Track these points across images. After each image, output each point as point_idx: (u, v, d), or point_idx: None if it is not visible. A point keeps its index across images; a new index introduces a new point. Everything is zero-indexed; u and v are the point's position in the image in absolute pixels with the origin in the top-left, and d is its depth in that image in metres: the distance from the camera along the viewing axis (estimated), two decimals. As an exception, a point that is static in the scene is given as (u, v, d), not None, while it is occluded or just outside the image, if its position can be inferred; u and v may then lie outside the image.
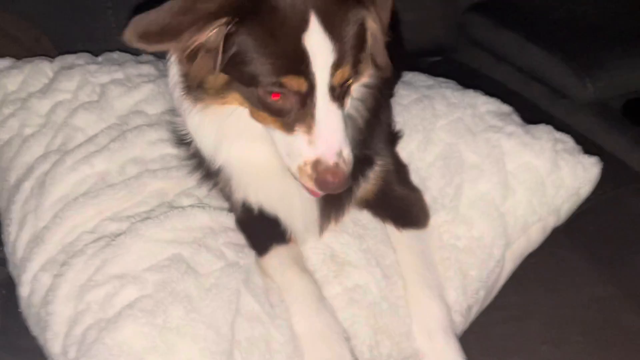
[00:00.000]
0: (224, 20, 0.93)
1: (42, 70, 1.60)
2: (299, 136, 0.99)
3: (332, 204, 1.21)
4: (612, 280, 1.47)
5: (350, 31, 0.98)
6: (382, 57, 1.07)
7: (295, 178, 1.03)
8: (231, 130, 1.10)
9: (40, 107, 1.47)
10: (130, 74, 1.57)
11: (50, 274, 1.13)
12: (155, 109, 1.47)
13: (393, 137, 1.38)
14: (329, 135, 0.99)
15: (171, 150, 1.35)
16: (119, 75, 1.56)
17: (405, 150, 1.40)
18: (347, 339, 1.12)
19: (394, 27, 1.87)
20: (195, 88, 1.05)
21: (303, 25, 0.93)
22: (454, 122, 1.44)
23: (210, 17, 0.92)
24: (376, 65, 1.09)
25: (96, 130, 1.39)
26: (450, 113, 1.46)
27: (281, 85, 0.95)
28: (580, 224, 1.55)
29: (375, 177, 1.26)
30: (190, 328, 1.02)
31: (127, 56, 1.74)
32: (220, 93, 1.04)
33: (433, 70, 1.81)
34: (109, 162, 1.30)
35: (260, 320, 1.10)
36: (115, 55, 1.75)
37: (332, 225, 1.24)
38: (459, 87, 1.62)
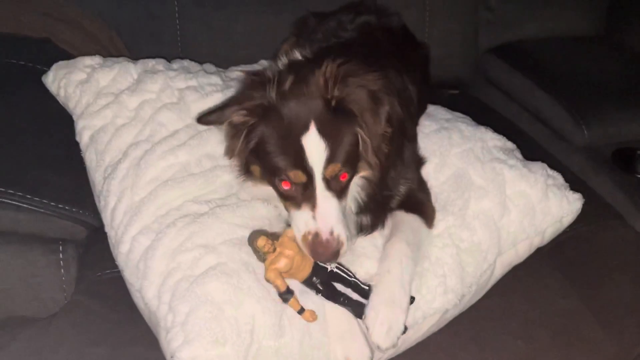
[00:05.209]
0: (247, 116, 1.29)
1: (128, 70, 1.84)
2: (305, 211, 1.29)
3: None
4: (580, 297, 1.70)
5: (342, 137, 1.28)
6: (371, 158, 1.33)
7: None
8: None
9: (130, 103, 1.73)
10: (202, 82, 1.83)
11: (146, 237, 1.42)
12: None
13: (418, 162, 1.66)
14: (325, 215, 1.27)
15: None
16: (194, 82, 1.81)
17: (423, 170, 1.68)
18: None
19: (424, 66, 2.19)
20: (245, 172, 1.40)
21: (304, 128, 1.25)
22: (466, 152, 1.71)
23: (241, 108, 1.30)
24: (367, 163, 1.35)
25: (177, 127, 1.66)
26: (463, 143, 1.74)
27: (288, 177, 1.27)
28: (562, 249, 1.82)
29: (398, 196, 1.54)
30: (256, 290, 1.31)
31: (196, 66, 2.00)
32: (261, 180, 1.39)
33: (450, 103, 2.06)
34: (190, 154, 1.58)
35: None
36: (186, 63, 2.00)
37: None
38: (473, 122, 1.90)
